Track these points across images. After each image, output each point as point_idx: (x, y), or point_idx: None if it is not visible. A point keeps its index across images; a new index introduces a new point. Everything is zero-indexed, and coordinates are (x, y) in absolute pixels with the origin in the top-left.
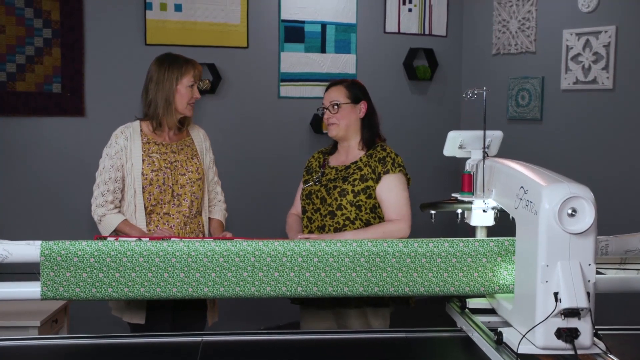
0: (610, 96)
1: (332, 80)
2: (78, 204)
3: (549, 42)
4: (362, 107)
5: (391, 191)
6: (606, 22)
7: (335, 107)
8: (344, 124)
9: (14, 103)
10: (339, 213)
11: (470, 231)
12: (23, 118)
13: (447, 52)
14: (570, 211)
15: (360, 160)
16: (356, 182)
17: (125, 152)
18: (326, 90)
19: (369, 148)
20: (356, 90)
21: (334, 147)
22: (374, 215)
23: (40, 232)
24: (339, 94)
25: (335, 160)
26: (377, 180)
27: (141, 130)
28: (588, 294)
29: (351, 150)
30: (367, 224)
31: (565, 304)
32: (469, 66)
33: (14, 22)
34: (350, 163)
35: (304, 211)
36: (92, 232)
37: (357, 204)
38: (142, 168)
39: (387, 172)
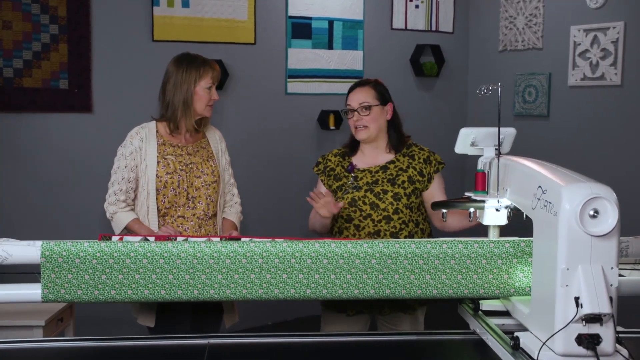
0: (618, 92)
1: (356, 82)
2: (85, 201)
3: (556, 39)
4: (389, 108)
5: (442, 189)
6: (614, 18)
7: (367, 109)
8: (375, 126)
9: (21, 99)
10: (395, 217)
11: (483, 230)
12: (30, 114)
13: (453, 48)
14: (592, 212)
15: (398, 160)
16: (405, 185)
17: (140, 153)
18: (350, 91)
19: (397, 149)
20: (383, 91)
21: (351, 148)
22: (420, 213)
23: (46, 229)
24: (367, 95)
25: (362, 162)
26: (429, 180)
27: (157, 132)
28: (611, 298)
29: (379, 152)
30: (417, 224)
31: (586, 309)
32: (476, 62)
33: (20, 18)
34: (385, 163)
35: (350, 219)
36: (99, 229)
37: (410, 206)
38: (157, 170)
39: (437, 172)
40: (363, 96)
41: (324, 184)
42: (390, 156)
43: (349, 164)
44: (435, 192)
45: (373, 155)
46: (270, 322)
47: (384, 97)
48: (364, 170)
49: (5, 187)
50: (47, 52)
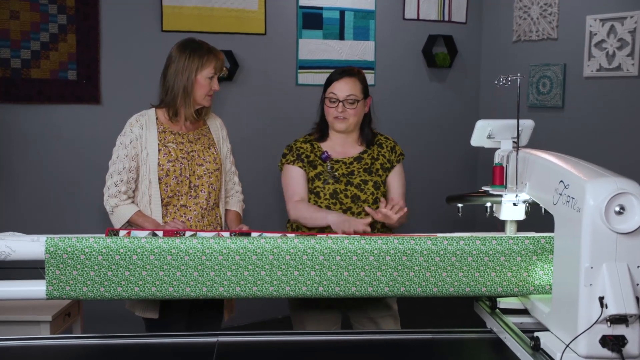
0: (636, 83)
1: (343, 69)
2: (93, 194)
3: (571, 29)
4: (368, 102)
5: (401, 178)
6: (631, 7)
7: (353, 102)
8: (355, 120)
9: (29, 90)
10: (374, 207)
11: (499, 225)
12: (38, 106)
13: (466, 39)
14: (617, 209)
15: (370, 149)
16: (380, 172)
17: (140, 141)
18: (335, 79)
19: (368, 145)
20: (366, 84)
21: (321, 134)
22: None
23: (53, 222)
24: (355, 88)
25: (333, 153)
26: (391, 168)
27: (157, 119)
28: (637, 298)
29: (350, 143)
30: None
31: (612, 310)
32: (489, 53)
33: (28, 8)
34: (358, 154)
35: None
36: (107, 223)
37: (384, 194)
38: (158, 158)
39: (398, 161)
40: (351, 88)
41: (304, 169)
42: (360, 147)
43: (323, 153)
44: (393, 179)
45: (343, 145)
46: (281, 316)
47: (366, 90)
48: (338, 162)
49: (12, 178)
50: (55, 43)
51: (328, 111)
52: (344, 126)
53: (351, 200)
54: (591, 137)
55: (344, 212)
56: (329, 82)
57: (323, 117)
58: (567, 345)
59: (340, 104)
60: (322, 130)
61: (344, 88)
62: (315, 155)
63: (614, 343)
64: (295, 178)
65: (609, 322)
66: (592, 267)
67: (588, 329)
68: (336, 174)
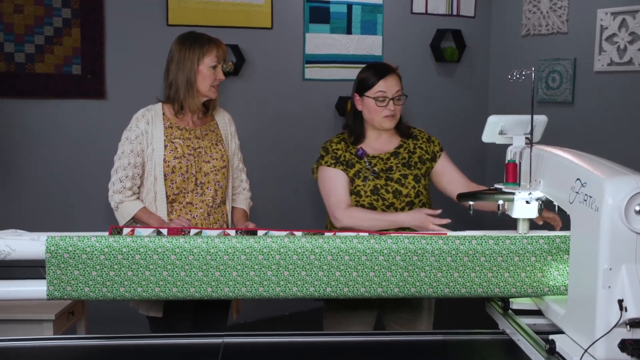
0: None
1: (381, 67)
2: (99, 190)
3: (581, 22)
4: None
5: (453, 165)
6: None
7: (400, 98)
8: (399, 116)
9: (33, 85)
10: (416, 200)
11: (512, 223)
12: (42, 100)
13: (475, 33)
14: (638, 208)
15: (405, 143)
16: (419, 166)
17: (146, 136)
18: (382, 77)
19: (403, 136)
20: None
21: (356, 137)
22: (429, 195)
23: (58, 219)
24: (399, 84)
25: (371, 149)
26: (434, 159)
27: (163, 114)
28: None
29: (385, 138)
30: (430, 207)
31: (631, 313)
32: (498, 48)
33: (32, 2)
34: (394, 149)
35: (372, 208)
36: (112, 220)
37: (426, 187)
38: (164, 154)
39: (442, 150)
40: (398, 84)
41: (346, 173)
42: (396, 141)
43: (358, 150)
44: (445, 168)
45: (378, 141)
46: (287, 313)
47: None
48: (374, 157)
49: (16, 174)
50: (59, 37)
51: (377, 111)
52: (393, 123)
53: (393, 196)
54: (601, 132)
55: (388, 208)
56: (372, 81)
57: (357, 119)
58: (586, 350)
59: (391, 101)
60: (356, 132)
61: (391, 85)
62: (351, 154)
63: (633, 348)
64: (338, 182)
65: (628, 326)
66: (610, 269)
67: (607, 333)
68: (375, 169)
